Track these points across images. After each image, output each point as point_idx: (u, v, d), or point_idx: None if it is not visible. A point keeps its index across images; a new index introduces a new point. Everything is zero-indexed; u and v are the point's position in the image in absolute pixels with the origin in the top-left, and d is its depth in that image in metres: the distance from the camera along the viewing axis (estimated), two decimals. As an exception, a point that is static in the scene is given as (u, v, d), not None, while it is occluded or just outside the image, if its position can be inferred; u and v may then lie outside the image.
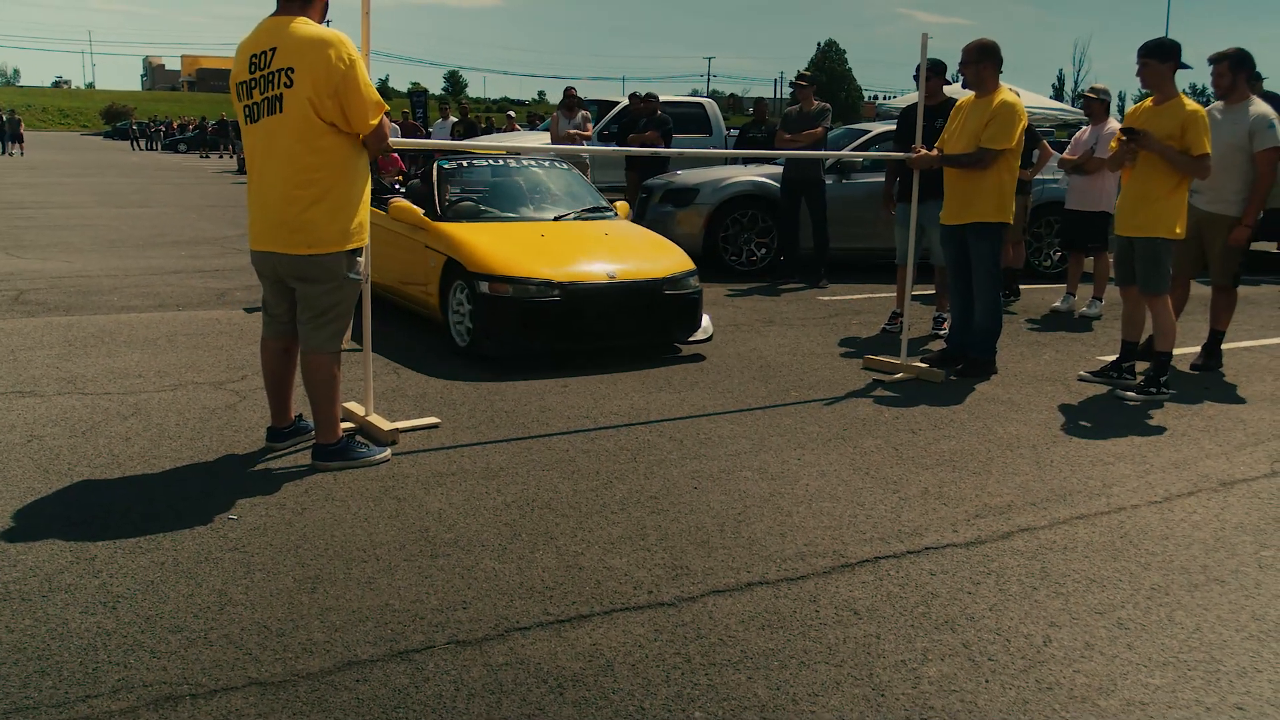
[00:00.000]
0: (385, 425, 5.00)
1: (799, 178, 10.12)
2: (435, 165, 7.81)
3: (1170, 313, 6.23)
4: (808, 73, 10.81)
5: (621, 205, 8.08)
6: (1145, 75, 6.24)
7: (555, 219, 7.52)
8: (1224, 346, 7.11)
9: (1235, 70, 6.66)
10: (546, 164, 8.35)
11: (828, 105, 10.46)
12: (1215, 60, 6.69)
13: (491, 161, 8.16)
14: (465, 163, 8.00)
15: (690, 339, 7.07)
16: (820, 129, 10.05)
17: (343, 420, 4.79)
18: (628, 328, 6.70)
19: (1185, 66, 6.19)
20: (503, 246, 6.66)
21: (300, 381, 4.67)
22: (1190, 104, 6.09)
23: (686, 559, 3.67)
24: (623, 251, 6.97)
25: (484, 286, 6.36)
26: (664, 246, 7.30)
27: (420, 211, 7.26)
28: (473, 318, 6.50)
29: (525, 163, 8.28)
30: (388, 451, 4.72)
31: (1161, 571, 3.69)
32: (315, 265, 4.38)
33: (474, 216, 7.36)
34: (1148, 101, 6.30)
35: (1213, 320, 7.06)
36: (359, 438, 4.84)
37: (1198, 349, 7.22)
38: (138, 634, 3.03)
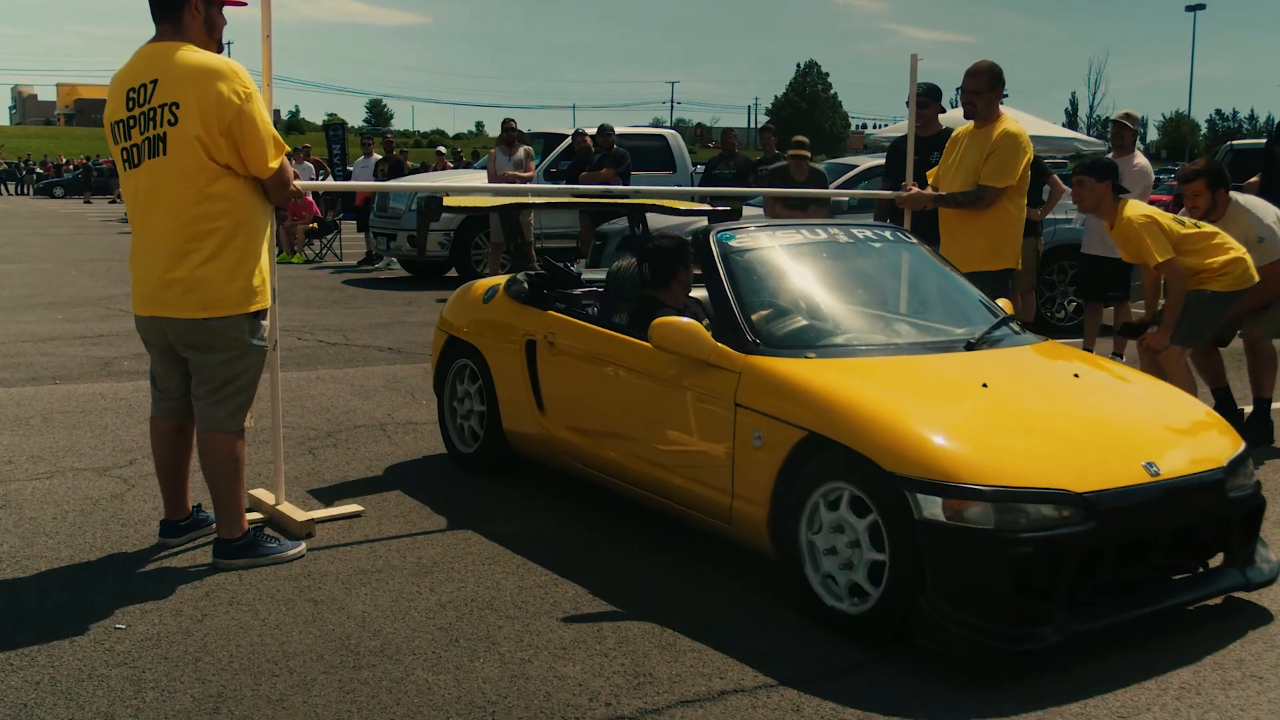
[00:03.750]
0: (299, 516, 5.00)
1: (777, 220, 10.30)
2: (713, 239, 4.98)
3: (1183, 369, 6.43)
4: (803, 139, 11.01)
5: (1005, 303, 5.47)
6: (1084, 195, 6.55)
7: (967, 347, 4.83)
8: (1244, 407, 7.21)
9: (1212, 189, 6.84)
10: (890, 236, 5.73)
11: (821, 170, 10.87)
12: (1187, 179, 7.00)
13: (805, 233, 5.34)
14: (762, 238, 5.23)
15: (1254, 580, 4.28)
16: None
17: (249, 510, 4.79)
18: (1173, 571, 4.21)
19: (1123, 191, 6.50)
20: (942, 415, 4.08)
21: (198, 467, 4.68)
22: (1132, 215, 6.34)
23: (650, 664, 3.70)
24: (1130, 412, 4.57)
25: (932, 508, 3.68)
26: (1174, 396, 4.86)
27: (709, 335, 4.56)
28: (913, 574, 3.74)
29: (858, 234, 5.53)
30: (302, 546, 4.72)
31: (1192, 669, 3.76)
32: (212, 331, 4.39)
33: (823, 345, 4.69)
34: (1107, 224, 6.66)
35: (1255, 387, 7.10)
36: (268, 530, 4.85)
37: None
38: (7, 767, 3.02)
